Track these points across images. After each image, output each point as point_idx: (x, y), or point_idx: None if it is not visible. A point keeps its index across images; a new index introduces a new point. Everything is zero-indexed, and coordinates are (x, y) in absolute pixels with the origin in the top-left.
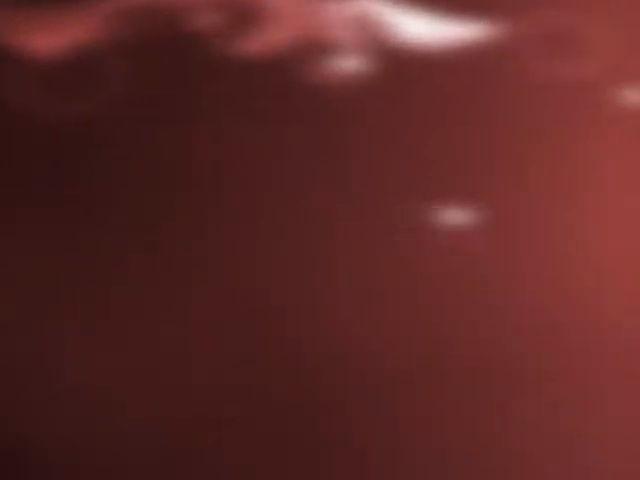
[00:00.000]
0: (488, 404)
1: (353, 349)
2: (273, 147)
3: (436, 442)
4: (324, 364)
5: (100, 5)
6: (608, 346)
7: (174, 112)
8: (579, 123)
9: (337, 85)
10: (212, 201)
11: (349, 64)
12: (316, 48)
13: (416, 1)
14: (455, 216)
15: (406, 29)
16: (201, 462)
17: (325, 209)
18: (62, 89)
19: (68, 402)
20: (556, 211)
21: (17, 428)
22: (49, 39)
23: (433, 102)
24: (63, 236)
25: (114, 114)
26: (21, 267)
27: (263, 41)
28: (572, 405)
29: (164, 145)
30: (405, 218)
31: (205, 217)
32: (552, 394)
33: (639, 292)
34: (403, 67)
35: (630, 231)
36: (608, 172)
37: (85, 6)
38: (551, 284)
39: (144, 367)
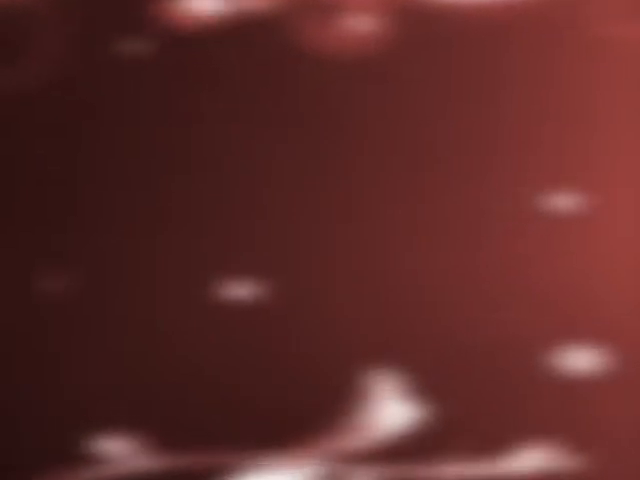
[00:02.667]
0: (488, 403)
1: (353, 348)
2: (268, 126)
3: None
4: (322, 363)
5: None
6: (609, 344)
7: (138, 81)
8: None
9: (347, 52)
10: (209, 187)
11: (362, 25)
12: (320, 5)
13: None
14: (456, 213)
15: None
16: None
17: (324, 203)
18: None
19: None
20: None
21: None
22: None
23: (464, 74)
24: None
25: (56, 83)
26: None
27: None
28: (574, 404)
29: (127, 122)
30: (407, 214)
31: (200, 207)
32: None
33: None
34: (429, 29)
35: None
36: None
37: None
38: (551, 281)
39: (141, 366)
